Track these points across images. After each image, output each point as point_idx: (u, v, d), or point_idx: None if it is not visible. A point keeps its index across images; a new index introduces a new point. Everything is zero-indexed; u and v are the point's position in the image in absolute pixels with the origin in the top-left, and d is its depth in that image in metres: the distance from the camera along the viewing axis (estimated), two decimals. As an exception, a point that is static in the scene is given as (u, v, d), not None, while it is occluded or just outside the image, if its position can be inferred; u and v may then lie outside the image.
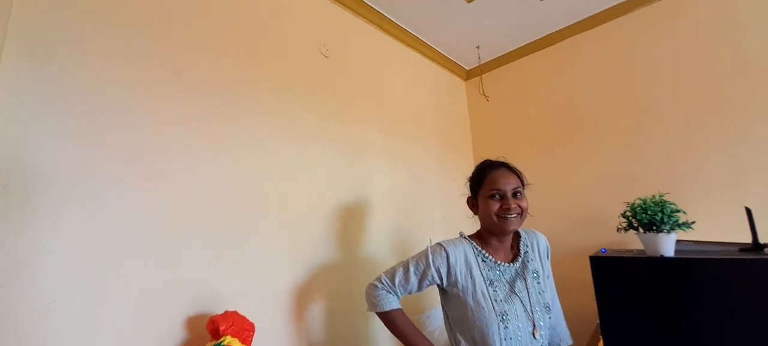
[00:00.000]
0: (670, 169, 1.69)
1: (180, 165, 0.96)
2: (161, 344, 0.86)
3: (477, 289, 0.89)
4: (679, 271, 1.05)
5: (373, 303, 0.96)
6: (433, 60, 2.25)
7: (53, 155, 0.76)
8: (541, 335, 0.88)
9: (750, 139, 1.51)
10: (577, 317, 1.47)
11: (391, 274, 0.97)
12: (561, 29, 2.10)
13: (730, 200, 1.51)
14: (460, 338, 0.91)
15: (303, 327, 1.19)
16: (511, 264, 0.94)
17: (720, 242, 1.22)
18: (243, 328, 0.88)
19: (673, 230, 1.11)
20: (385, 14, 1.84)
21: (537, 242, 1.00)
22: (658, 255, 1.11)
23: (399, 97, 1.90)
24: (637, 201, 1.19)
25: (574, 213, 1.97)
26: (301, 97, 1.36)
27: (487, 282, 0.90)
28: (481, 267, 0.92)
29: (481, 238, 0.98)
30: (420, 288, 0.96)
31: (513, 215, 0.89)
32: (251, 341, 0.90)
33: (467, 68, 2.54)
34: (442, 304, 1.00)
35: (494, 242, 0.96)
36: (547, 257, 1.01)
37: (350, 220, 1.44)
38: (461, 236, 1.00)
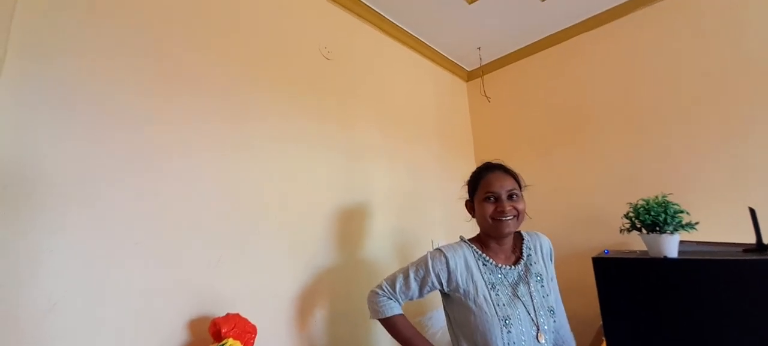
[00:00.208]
0: (671, 169, 1.69)
1: (180, 166, 0.96)
2: (162, 346, 0.85)
3: (479, 293, 0.88)
4: (683, 272, 1.04)
5: (375, 310, 0.96)
6: (435, 61, 2.25)
7: (54, 156, 0.76)
8: (545, 339, 0.87)
9: (751, 139, 1.51)
10: (578, 319, 1.47)
11: (392, 281, 0.97)
12: (562, 30, 2.10)
13: (732, 199, 1.51)
14: (462, 341, 0.91)
15: (304, 329, 1.18)
16: (514, 267, 0.93)
17: (723, 243, 1.21)
18: (245, 330, 0.88)
19: (677, 231, 1.10)
20: (386, 16, 1.84)
21: (540, 244, 0.99)
22: (662, 256, 1.10)
23: (400, 99, 1.90)
24: (640, 202, 1.19)
25: (575, 213, 1.97)
26: (302, 98, 1.35)
27: (489, 286, 0.89)
28: (482, 271, 0.91)
29: (480, 241, 0.98)
30: (421, 294, 0.95)
31: (508, 217, 0.88)
32: (253, 343, 0.89)
33: (468, 69, 2.54)
34: (444, 306, 0.99)
35: (493, 244, 0.95)
36: (551, 260, 1.00)
37: (351, 220, 1.44)
38: (461, 239, 0.99)
